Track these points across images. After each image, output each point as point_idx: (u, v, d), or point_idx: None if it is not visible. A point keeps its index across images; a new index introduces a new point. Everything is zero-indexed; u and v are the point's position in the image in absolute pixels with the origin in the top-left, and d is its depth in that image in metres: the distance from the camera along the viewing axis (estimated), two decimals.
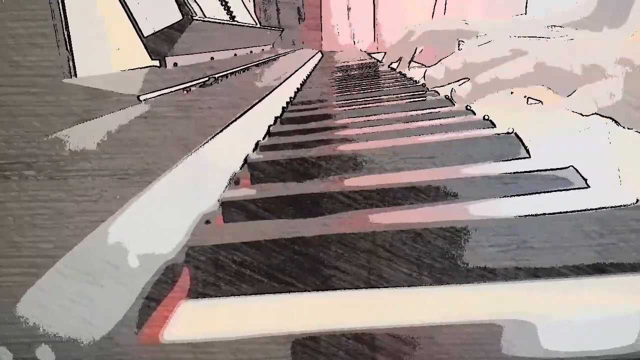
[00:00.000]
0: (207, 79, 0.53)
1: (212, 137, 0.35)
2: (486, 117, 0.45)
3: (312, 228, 0.25)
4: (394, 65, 1.04)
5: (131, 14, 0.47)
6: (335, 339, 0.20)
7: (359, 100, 0.68)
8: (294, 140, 0.46)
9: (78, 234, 0.21)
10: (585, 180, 0.29)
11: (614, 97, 0.48)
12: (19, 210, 0.23)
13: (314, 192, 0.32)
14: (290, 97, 0.76)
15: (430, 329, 0.20)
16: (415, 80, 0.78)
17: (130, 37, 0.48)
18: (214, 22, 0.73)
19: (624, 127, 0.53)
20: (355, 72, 1.08)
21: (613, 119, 0.49)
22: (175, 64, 0.56)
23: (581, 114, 0.50)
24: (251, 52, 1.11)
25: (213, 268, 0.24)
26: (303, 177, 0.38)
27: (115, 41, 0.45)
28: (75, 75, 0.36)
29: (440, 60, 0.63)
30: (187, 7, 0.58)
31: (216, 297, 0.24)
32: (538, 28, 0.63)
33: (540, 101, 0.56)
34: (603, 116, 0.49)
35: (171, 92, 0.43)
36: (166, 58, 0.54)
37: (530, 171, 0.31)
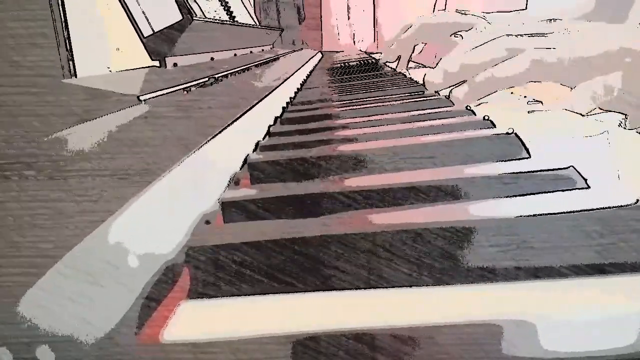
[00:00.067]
0: (207, 79, 0.53)
1: (212, 137, 0.35)
2: (486, 117, 0.45)
3: (312, 228, 0.25)
4: (393, 65, 1.04)
5: (131, 14, 0.47)
6: (335, 339, 0.20)
7: (359, 100, 0.68)
8: (294, 141, 0.46)
9: (78, 234, 0.21)
10: (586, 180, 0.29)
11: (612, 93, 0.48)
12: (19, 210, 0.23)
13: (314, 192, 0.32)
14: (291, 97, 0.76)
15: (430, 329, 0.20)
16: (415, 81, 0.78)
17: (130, 37, 0.48)
18: (214, 22, 0.73)
19: (624, 128, 0.53)
20: (356, 72, 1.08)
21: (625, 114, 0.49)
22: (175, 64, 0.56)
23: (581, 114, 0.50)
24: (251, 52, 1.11)
25: (213, 268, 0.24)
26: (303, 177, 0.38)
27: (115, 41, 0.45)
28: (75, 75, 0.36)
29: (439, 62, 0.63)
30: (187, 7, 0.58)
31: (216, 297, 0.24)
32: (536, 22, 0.63)
33: (540, 101, 0.56)
34: (608, 111, 0.49)
35: (171, 92, 0.43)
36: (166, 58, 0.54)
37: (530, 171, 0.31)
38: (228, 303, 0.23)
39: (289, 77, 0.81)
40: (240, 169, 0.39)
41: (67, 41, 0.35)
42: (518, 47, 0.55)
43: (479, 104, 0.55)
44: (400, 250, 0.24)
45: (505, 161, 0.35)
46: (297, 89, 0.86)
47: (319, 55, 1.76)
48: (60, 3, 0.35)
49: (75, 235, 0.21)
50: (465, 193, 0.31)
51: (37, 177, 0.25)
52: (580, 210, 0.24)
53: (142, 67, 0.51)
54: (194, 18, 0.59)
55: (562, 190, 0.29)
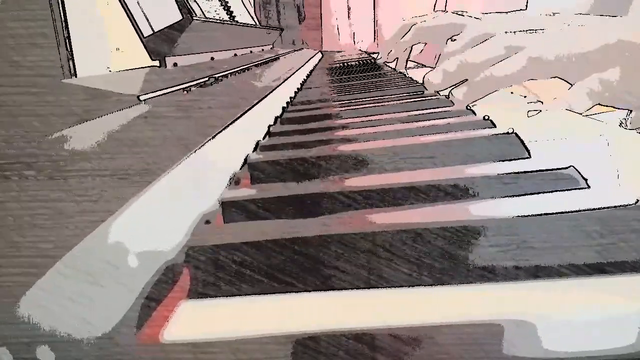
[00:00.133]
0: (207, 79, 0.53)
1: (212, 137, 0.35)
2: (486, 117, 0.45)
3: (312, 228, 0.25)
4: (393, 65, 1.04)
5: (131, 14, 0.47)
6: (335, 339, 0.20)
7: (359, 100, 0.68)
8: (294, 140, 0.46)
9: (78, 234, 0.21)
10: (586, 180, 0.29)
11: (611, 88, 0.48)
12: (19, 210, 0.23)
13: (314, 192, 0.32)
14: (291, 97, 0.76)
15: (430, 329, 0.20)
16: (415, 80, 0.78)
17: (130, 37, 0.48)
18: (214, 22, 0.73)
19: (625, 127, 0.53)
20: (355, 72, 1.08)
21: (629, 109, 0.49)
22: (175, 64, 0.56)
23: (580, 113, 0.50)
24: (251, 52, 1.11)
25: (213, 268, 0.24)
26: (303, 177, 0.38)
27: (115, 41, 0.45)
28: (75, 75, 0.36)
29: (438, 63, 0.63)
30: (187, 7, 0.58)
31: (216, 297, 0.24)
32: (535, 18, 0.63)
33: (541, 101, 0.56)
34: (613, 107, 0.49)
35: (171, 92, 0.43)
36: (166, 58, 0.54)
37: (530, 171, 0.31)
38: (228, 303, 0.23)
39: (289, 77, 0.81)
40: (240, 168, 0.39)
41: (67, 41, 0.35)
42: (516, 44, 0.55)
43: (474, 104, 0.55)
44: (400, 250, 0.24)
45: (505, 161, 0.35)
46: (297, 88, 0.86)
47: (319, 55, 1.76)
48: (60, 3, 0.35)
49: (75, 235, 0.21)
50: (465, 193, 0.31)
51: (37, 177, 0.25)
52: (580, 210, 0.24)
53: (142, 67, 0.51)
54: (194, 18, 0.59)
55: (562, 190, 0.28)
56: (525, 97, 0.63)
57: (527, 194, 0.29)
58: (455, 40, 0.68)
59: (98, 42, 0.42)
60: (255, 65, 0.85)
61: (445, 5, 1.65)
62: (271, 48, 1.46)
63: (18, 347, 0.19)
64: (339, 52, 2.00)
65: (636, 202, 0.24)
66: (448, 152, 0.37)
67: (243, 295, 0.24)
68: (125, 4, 0.47)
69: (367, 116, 0.55)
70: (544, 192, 0.28)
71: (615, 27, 0.50)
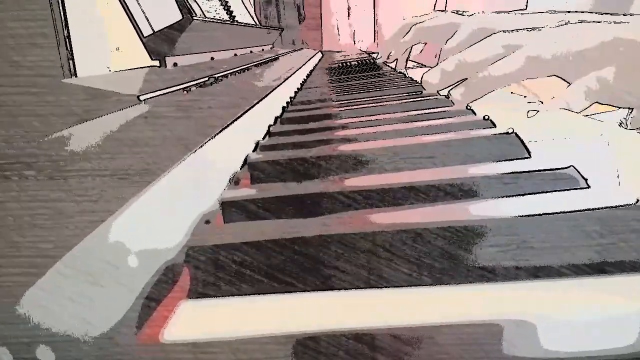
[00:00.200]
0: (207, 78, 0.53)
1: (212, 137, 0.35)
2: (486, 117, 0.45)
3: (312, 228, 0.25)
4: (393, 65, 1.04)
5: (131, 14, 0.47)
6: (335, 339, 0.20)
7: (359, 100, 0.68)
8: (294, 140, 0.46)
9: (78, 234, 0.21)
10: (586, 180, 0.29)
11: (608, 86, 0.48)
12: (19, 210, 0.23)
13: (314, 192, 0.32)
14: (291, 97, 0.76)
15: (430, 329, 0.20)
16: (415, 80, 0.78)
17: (130, 37, 0.48)
18: (214, 21, 0.73)
19: (625, 127, 0.53)
20: (355, 72, 1.08)
21: (630, 108, 0.49)
22: (175, 64, 0.56)
23: (579, 113, 0.50)
24: (251, 52, 1.11)
25: (213, 268, 0.24)
26: (303, 177, 0.38)
27: (115, 41, 0.45)
28: (75, 75, 0.36)
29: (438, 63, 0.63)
30: (187, 6, 0.58)
31: (216, 297, 0.24)
32: (534, 17, 0.63)
33: (541, 101, 0.56)
34: (613, 106, 0.49)
35: (171, 92, 0.43)
36: (166, 58, 0.54)
37: (530, 171, 0.31)
38: (228, 303, 0.23)
39: (289, 77, 0.81)
40: (240, 168, 0.39)
41: (67, 41, 0.35)
42: (514, 43, 0.55)
43: (473, 103, 0.55)
44: (400, 250, 0.24)
45: (505, 161, 0.35)
46: (297, 88, 0.86)
47: (319, 55, 1.76)
48: (60, 3, 0.35)
49: (75, 235, 0.21)
50: (465, 193, 0.31)
51: (37, 177, 0.25)
52: (580, 210, 0.24)
53: (142, 67, 0.51)
54: (194, 18, 0.59)
55: (562, 190, 0.28)
56: (525, 96, 0.63)
57: (527, 194, 0.29)
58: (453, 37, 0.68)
59: (98, 42, 0.42)
60: (255, 65, 0.85)
61: (445, 5, 1.65)
62: (271, 48, 1.46)
63: (18, 347, 0.19)
64: (339, 52, 2.00)
65: (636, 202, 0.24)
66: (448, 152, 0.37)
67: (243, 295, 0.24)
68: (125, 4, 0.47)
69: (367, 116, 0.55)
70: (544, 192, 0.28)
71: (612, 25, 0.50)
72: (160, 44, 0.52)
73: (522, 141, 0.36)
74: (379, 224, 0.25)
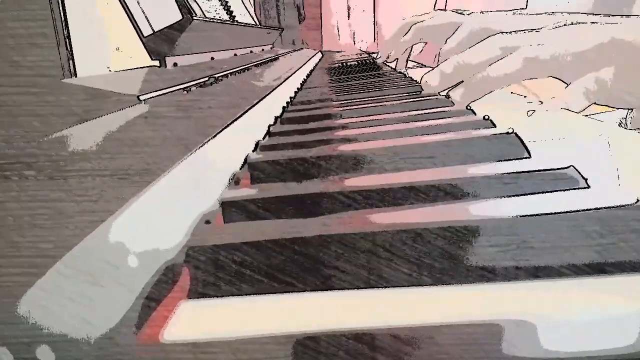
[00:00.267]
0: (207, 78, 0.53)
1: (212, 137, 0.35)
2: (486, 117, 0.45)
3: (312, 228, 0.25)
4: (393, 65, 1.04)
5: (131, 13, 0.47)
6: (335, 339, 0.20)
7: (359, 100, 0.68)
8: (294, 140, 0.46)
9: (78, 234, 0.21)
10: (586, 180, 0.29)
11: (606, 87, 0.48)
12: (19, 210, 0.23)
13: (314, 192, 0.32)
14: (291, 97, 0.76)
15: (430, 329, 0.20)
16: (415, 80, 0.78)
17: (130, 37, 0.48)
18: (214, 21, 0.73)
19: (625, 127, 0.53)
20: (356, 72, 1.08)
21: (629, 109, 0.49)
22: (175, 64, 0.56)
23: (578, 113, 0.50)
24: (251, 52, 1.11)
25: (213, 268, 0.24)
26: (303, 177, 0.38)
27: (115, 41, 0.45)
28: (75, 75, 0.36)
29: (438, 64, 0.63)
30: (187, 6, 0.58)
31: (216, 297, 0.24)
32: (533, 18, 0.63)
33: (541, 101, 0.56)
34: (613, 107, 0.49)
35: (171, 92, 0.43)
36: (166, 58, 0.54)
37: (530, 171, 0.31)
38: (228, 303, 0.23)
39: (289, 77, 0.81)
40: (240, 168, 0.39)
41: (67, 41, 0.35)
42: (512, 45, 0.55)
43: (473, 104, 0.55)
44: (400, 250, 0.24)
45: (505, 161, 0.35)
46: (297, 88, 0.86)
47: (319, 55, 1.76)
48: (60, 3, 0.35)
49: (75, 235, 0.21)
50: (465, 193, 0.31)
51: (37, 177, 0.25)
52: (580, 210, 0.24)
53: (142, 67, 0.51)
54: (194, 18, 0.59)
55: (562, 190, 0.28)
56: (525, 96, 0.63)
57: (527, 194, 0.29)
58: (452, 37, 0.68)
59: (98, 42, 0.42)
60: (255, 65, 0.85)
61: (446, 5, 1.65)
62: (271, 48, 1.46)
63: (18, 347, 0.19)
64: (339, 52, 2.00)
65: (636, 202, 0.24)
66: (448, 152, 0.37)
67: (243, 295, 0.24)
68: (125, 3, 0.47)
69: (367, 116, 0.55)
70: (544, 192, 0.28)
71: (610, 26, 0.50)
72: (160, 44, 0.52)
73: (522, 141, 0.36)
74: (379, 224, 0.25)
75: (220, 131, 0.37)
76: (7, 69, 0.30)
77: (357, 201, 0.31)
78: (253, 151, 0.45)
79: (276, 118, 0.59)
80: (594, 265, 0.23)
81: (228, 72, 0.63)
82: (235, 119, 0.41)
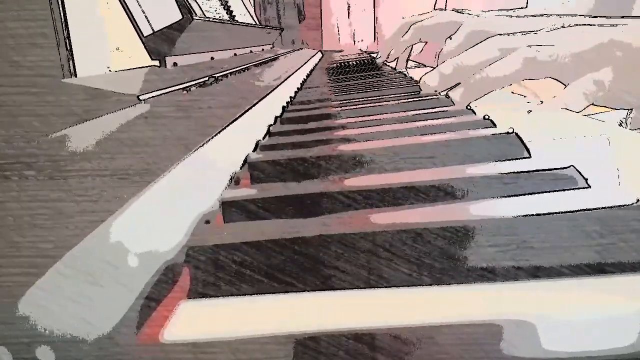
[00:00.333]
0: (207, 78, 0.53)
1: (212, 137, 0.35)
2: (486, 117, 0.45)
3: (312, 228, 0.25)
4: (393, 64, 1.04)
5: (131, 13, 0.47)
6: (335, 339, 0.20)
7: (359, 100, 0.68)
8: (294, 140, 0.46)
9: (78, 234, 0.21)
10: (586, 180, 0.29)
11: (604, 88, 0.48)
12: (19, 210, 0.23)
13: (314, 192, 0.32)
14: (291, 97, 0.76)
15: (430, 329, 0.20)
16: (415, 80, 0.78)
17: (130, 37, 0.48)
18: (214, 21, 0.73)
19: (625, 127, 0.53)
20: (356, 72, 1.08)
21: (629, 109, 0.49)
22: (175, 64, 0.56)
23: (577, 113, 0.50)
24: (251, 51, 1.11)
25: (213, 268, 0.24)
26: (303, 177, 0.38)
27: (115, 41, 0.45)
28: (75, 75, 0.36)
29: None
30: (187, 6, 0.58)
31: (216, 297, 0.24)
32: (532, 19, 0.63)
33: (542, 101, 0.56)
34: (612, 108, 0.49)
35: (171, 92, 0.43)
36: (166, 58, 0.54)
37: (530, 171, 0.31)
38: (228, 303, 0.23)
39: (289, 77, 0.81)
40: (241, 168, 0.39)
41: (67, 41, 0.35)
42: (510, 46, 0.55)
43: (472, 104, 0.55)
44: (400, 250, 0.24)
45: (505, 161, 0.35)
46: (297, 88, 0.86)
47: (319, 55, 1.76)
48: (60, 3, 0.35)
49: (75, 235, 0.21)
50: (465, 193, 0.31)
51: (37, 177, 0.25)
52: (580, 210, 0.24)
53: (142, 67, 0.51)
54: (194, 17, 0.59)
55: (562, 190, 0.28)
56: (525, 96, 0.63)
57: (527, 194, 0.29)
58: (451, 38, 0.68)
59: (98, 42, 0.42)
60: (255, 65, 0.85)
61: (446, 4, 1.65)
62: (271, 48, 1.46)
63: (18, 347, 0.19)
64: (339, 51, 2.00)
65: (636, 202, 0.24)
66: (448, 152, 0.37)
67: (243, 295, 0.24)
68: (125, 3, 0.47)
69: (367, 116, 0.55)
70: (544, 192, 0.28)
71: (608, 28, 0.50)
72: (160, 43, 0.52)
73: (522, 141, 0.36)
74: (379, 224, 0.25)
75: (220, 131, 0.37)
76: (7, 69, 0.30)
77: (357, 201, 0.31)
78: (253, 151, 0.45)
79: (276, 118, 0.59)
80: (594, 265, 0.23)
81: (228, 72, 0.63)
82: (235, 119, 0.41)
